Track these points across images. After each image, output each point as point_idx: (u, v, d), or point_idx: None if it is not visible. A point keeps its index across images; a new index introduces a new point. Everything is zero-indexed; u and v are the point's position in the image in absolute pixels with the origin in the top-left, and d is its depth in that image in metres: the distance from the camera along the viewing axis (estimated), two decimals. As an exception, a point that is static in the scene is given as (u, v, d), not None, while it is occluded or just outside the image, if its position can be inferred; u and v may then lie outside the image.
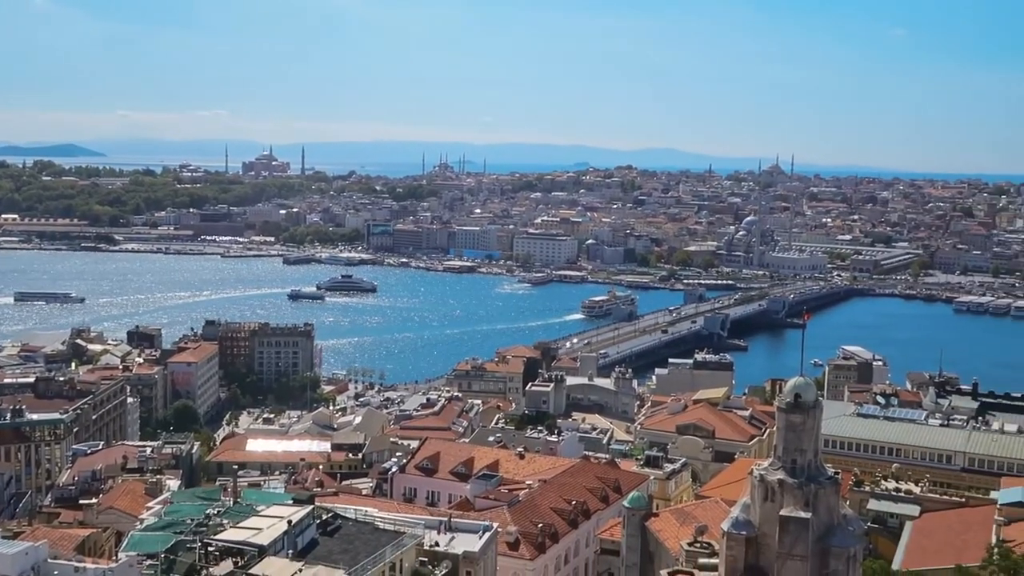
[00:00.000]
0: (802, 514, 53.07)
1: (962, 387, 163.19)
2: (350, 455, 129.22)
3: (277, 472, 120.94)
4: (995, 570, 63.60)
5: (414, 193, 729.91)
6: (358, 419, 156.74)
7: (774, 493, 54.35)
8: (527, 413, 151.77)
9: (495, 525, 70.92)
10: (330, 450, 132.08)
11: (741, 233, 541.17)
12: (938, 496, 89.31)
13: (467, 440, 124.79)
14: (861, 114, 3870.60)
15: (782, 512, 53.55)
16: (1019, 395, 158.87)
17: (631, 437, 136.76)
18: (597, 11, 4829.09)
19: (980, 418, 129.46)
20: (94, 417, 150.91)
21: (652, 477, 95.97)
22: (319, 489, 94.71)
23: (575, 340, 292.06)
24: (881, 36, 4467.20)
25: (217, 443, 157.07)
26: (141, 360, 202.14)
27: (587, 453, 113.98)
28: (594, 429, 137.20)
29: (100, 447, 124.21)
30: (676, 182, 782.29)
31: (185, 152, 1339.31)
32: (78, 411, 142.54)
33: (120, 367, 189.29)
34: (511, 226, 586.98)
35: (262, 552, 55.40)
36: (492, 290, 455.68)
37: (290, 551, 56.96)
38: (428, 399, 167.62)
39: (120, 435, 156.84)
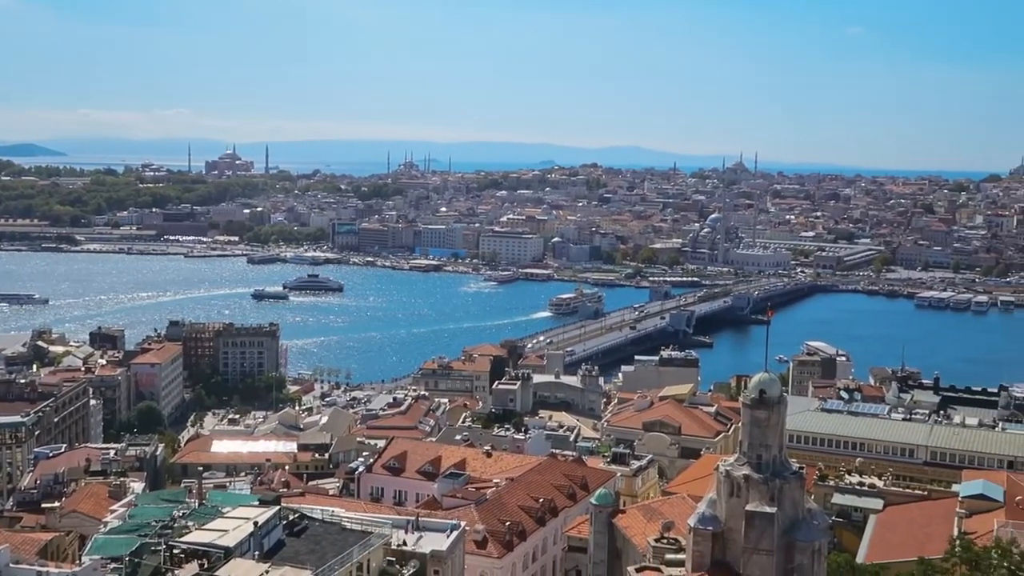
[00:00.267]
0: (767, 509, 53.49)
1: (924, 382, 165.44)
2: (316, 455, 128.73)
3: (243, 473, 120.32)
4: (957, 562, 64.30)
5: (379, 192, 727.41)
6: (324, 419, 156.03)
7: (740, 488, 54.74)
8: (494, 411, 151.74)
9: (463, 524, 70.86)
10: (296, 450, 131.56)
11: (706, 230, 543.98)
12: (901, 490, 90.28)
13: (434, 439, 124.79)
14: (824, 112, 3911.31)
15: (748, 507, 53.95)
16: (980, 389, 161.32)
17: (598, 434, 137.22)
18: (561, 9, 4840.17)
19: (941, 412, 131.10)
20: (56, 420, 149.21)
21: (619, 474, 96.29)
22: (285, 490, 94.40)
23: (541, 338, 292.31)
24: (838, 35, 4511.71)
25: (182, 445, 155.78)
26: (104, 361, 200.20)
27: (554, 451, 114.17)
28: (561, 427, 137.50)
29: (62, 450, 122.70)
30: (641, 180, 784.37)
31: (147, 151, 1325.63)
32: (40, 414, 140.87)
33: (82, 369, 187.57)
34: (477, 225, 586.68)
35: (228, 554, 55.03)
36: (458, 289, 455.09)
37: (256, 552, 56.61)
38: (395, 398, 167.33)
39: (83, 437, 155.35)
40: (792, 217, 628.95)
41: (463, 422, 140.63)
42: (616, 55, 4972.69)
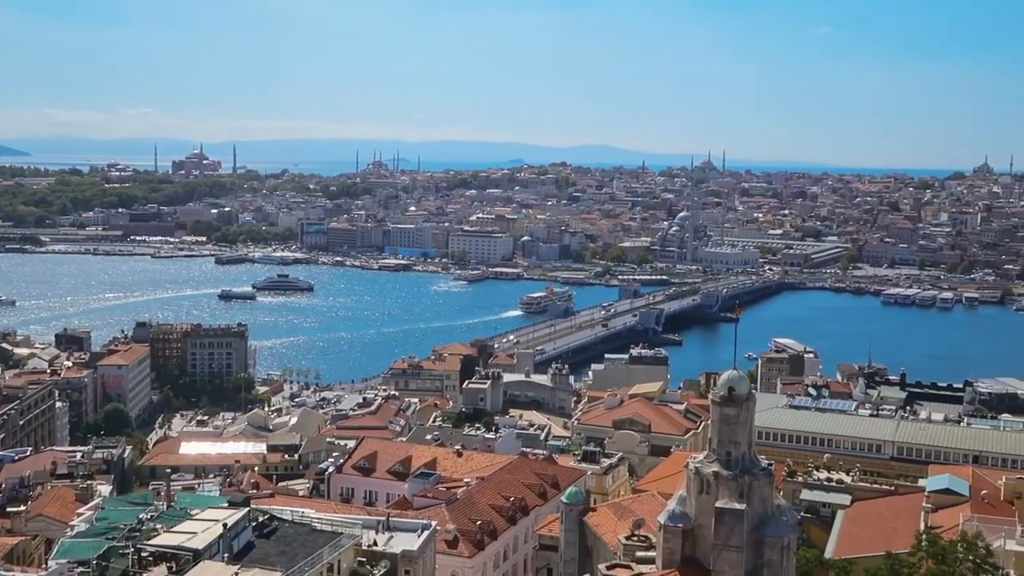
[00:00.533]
0: (737, 505, 53.88)
1: (890, 378, 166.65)
2: (286, 456, 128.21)
3: (212, 475, 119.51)
4: (923, 556, 65.01)
5: (348, 191, 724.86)
6: (294, 420, 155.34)
7: (709, 485, 55.12)
8: (464, 411, 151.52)
9: (433, 523, 70.76)
10: (266, 451, 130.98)
11: (674, 229, 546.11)
12: (868, 485, 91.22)
13: (404, 439, 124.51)
14: (791, 110, 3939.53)
15: (717, 504, 54.32)
16: (945, 385, 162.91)
17: (568, 433, 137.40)
18: (529, 6, 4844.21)
19: (908, 408, 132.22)
20: (21, 423, 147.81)
21: (589, 472, 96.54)
22: (255, 491, 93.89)
23: (512, 337, 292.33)
24: (806, 34, 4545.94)
25: (150, 447, 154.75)
26: (70, 363, 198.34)
27: (525, 450, 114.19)
28: (531, 425, 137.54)
29: (28, 453, 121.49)
30: (610, 179, 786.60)
31: (113, 151, 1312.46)
32: (4, 417, 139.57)
33: (48, 371, 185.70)
34: (446, 224, 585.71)
35: (197, 556, 54.68)
36: (428, 288, 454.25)
37: (226, 555, 56.30)
38: (365, 398, 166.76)
39: (49, 440, 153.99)
40: (760, 215, 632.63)
41: (433, 422, 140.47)
42: (584, 53, 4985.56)
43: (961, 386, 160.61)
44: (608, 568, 58.40)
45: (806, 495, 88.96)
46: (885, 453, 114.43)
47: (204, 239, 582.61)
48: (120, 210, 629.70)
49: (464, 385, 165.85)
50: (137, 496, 77.67)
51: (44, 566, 65.74)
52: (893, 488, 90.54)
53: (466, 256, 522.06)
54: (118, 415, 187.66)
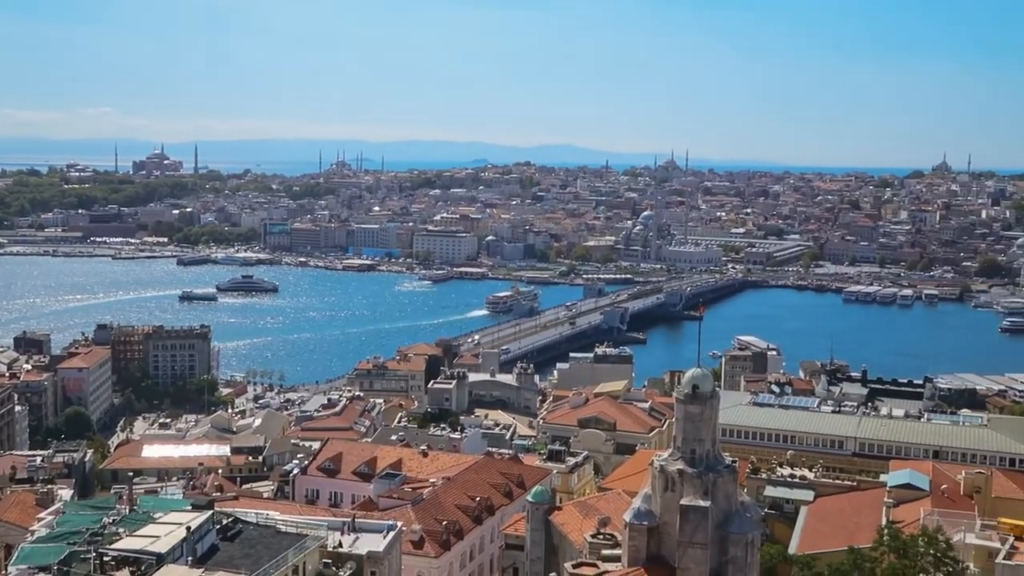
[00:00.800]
0: (701, 503, 54.20)
1: (852, 374, 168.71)
2: (250, 458, 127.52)
3: (175, 478, 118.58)
4: (885, 551, 65.73)
5: (311, 191, 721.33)
6: (258, 421, 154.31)
7: (674, 483, 55.40)
8: (430, 411, 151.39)
9: (399, 524, 70.58)
10: (229, 454, 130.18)
11: (638, 228, 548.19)
12: (831, 481, 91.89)
13: (369, 440, 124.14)
14: (752, 110, 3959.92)
15: (682, 501, 54.61)
16: (906, 381, 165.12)
17: (534, 432, 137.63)
18: (492, 5, 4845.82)
19: (869, 404, 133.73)
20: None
21: (555, 471, 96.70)
22: (219, 494, 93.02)
23: (477, 337, 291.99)
24: (764, 33, 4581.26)
25: (111, 450, 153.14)
26: (29, 367, 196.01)
27: (490, 449, 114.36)
28: (497, 425, 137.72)
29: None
30: (574, 178, 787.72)
31: (73, 151, 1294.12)
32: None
33: (7, 374, 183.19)
34: (410, 224, 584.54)
35: (160, 560, 54.16)
36: (393, 288, 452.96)
37: (189, 558, 55.78)
38: (329, 399, 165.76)
39: (8, 445, 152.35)
40: (723, 214, 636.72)
41: (399, 422, 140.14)
42: (547, 53, 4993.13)
43: (921, 382, 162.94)
44: (574, 567, 58.52)
45: (770, 491, 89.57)
46: (847, 449, 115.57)
47: (166, 240, 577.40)
48: (80, 211, 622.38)
49: (429, 385, 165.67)
50: (99, 500, 76.75)
51: (3, 572, 64.83)
52: (855, 484, 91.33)
53: (431, 256, 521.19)
54: (79, 418, 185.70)
